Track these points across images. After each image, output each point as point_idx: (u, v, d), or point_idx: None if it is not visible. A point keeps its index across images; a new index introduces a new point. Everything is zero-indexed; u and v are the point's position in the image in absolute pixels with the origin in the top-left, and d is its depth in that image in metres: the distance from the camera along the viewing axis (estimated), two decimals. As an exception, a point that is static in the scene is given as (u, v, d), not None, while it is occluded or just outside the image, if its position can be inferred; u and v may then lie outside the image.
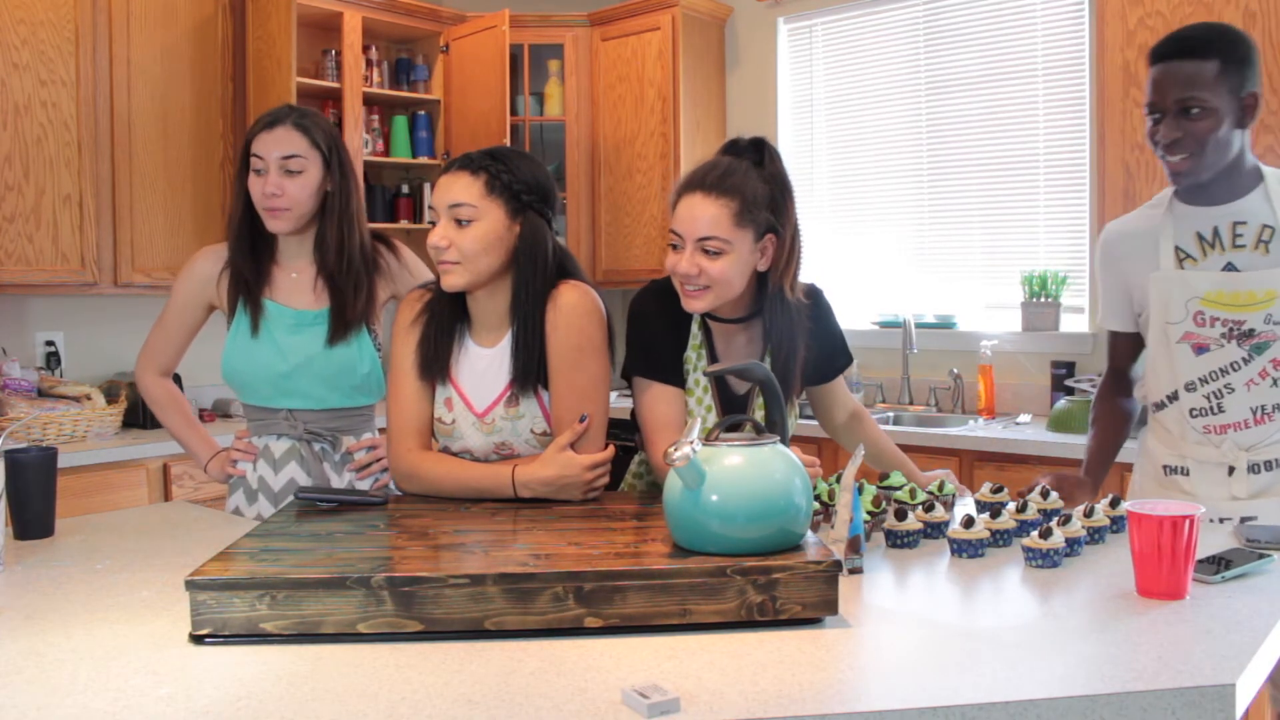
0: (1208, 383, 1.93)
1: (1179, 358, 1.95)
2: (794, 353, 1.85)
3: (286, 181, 2.01)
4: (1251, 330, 1.89)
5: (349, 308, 2.07)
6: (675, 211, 1.78)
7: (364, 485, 2.12)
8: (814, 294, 1.95)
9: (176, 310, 2.17)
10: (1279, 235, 1.88)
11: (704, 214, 1.72)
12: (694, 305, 1.78)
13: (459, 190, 1.75)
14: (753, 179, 1.75)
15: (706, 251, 1.73)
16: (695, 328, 1.86)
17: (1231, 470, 1.94)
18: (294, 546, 1.44)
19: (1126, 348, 2.15)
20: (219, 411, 3.97)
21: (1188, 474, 1.99)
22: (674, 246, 1.78)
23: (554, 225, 1.84)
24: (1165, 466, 2.02)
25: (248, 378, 2.10)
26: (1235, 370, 1.91)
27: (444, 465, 1.81)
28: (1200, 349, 1.93)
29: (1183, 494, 1.98)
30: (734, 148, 1.82)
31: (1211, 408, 1.94)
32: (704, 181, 1.74)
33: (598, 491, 1.76)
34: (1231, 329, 1.90)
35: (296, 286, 2.11)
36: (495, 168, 1.76)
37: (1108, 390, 2.19)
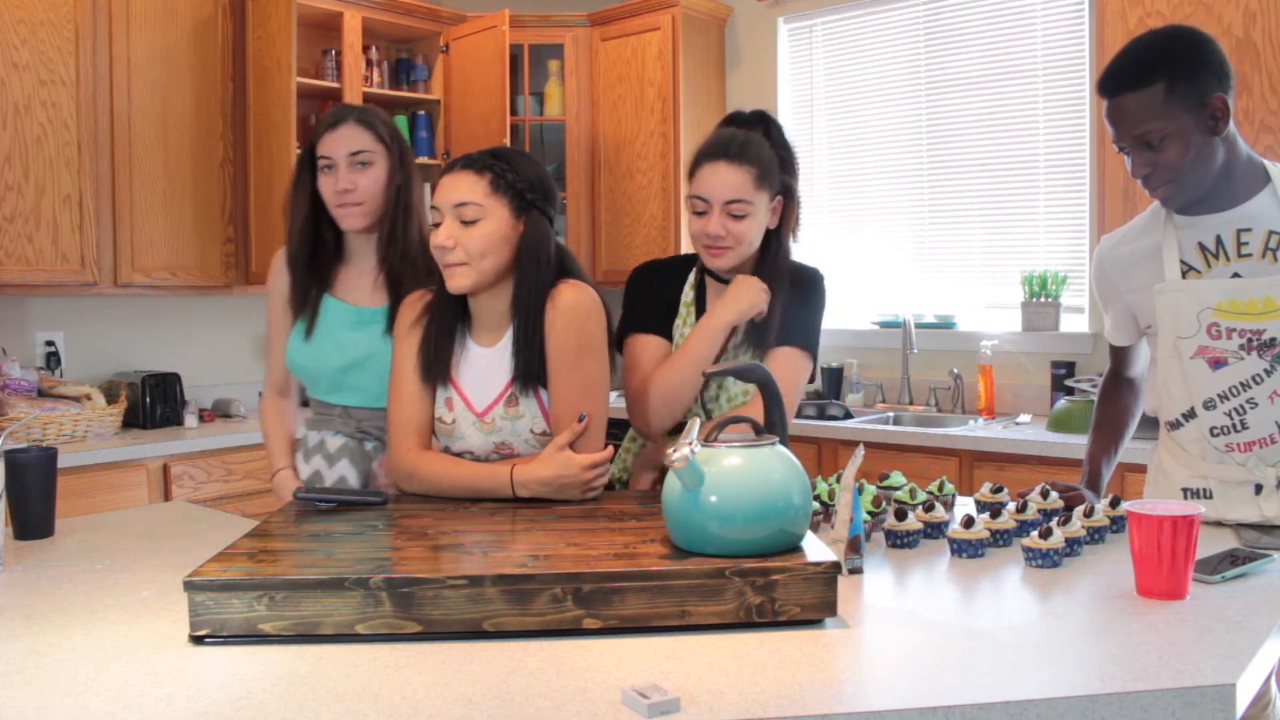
0: (1228, 399, 1.79)
1: (1194, 374, 1.81)
2: (777, 299, 1.94)
3: (357, 176, 2.02)
4: (1273, 340, 1.75)
5: None
6: (698, 178, 1.91)
7: None
8: (814, 277, 2.03)
9: (273, 327, 2.19)
10: None
11: (730, 180, 1.88)
12: (718, 262, 1.92)
13: (464, 189, 1.75)
14: (766, 147, 1.94)
15: (732, 215, 1.88)
16: (687, 287, 2.01)
17: (1259, 489, 1.80)
18: (293, 547, 1.44)
19: (1129, 353, 2.06)
20: (219, 412, 3.97)
21: (1210, 495, 1.85)
22: (698, 212, 1.91)
23: (554, 224, 1.85)
24: (1185, 490, 1.89)
25: (309, 371, 2.13)
26: (1257, 384, 1.77)
27: (443, 465, 1.81)
28: (1217, 363, 1.78)
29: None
30: (738, 119, 2.02)
31: (1234, 425, 1.80)
32: (728, 150, 1.90)
33: (596, 491, 1.76)
34: (1250, 339, 1.76)
35: (359, 283, 2.12)
36: (499, 166, 1.77)
37: (1111, 391, 2.10)
